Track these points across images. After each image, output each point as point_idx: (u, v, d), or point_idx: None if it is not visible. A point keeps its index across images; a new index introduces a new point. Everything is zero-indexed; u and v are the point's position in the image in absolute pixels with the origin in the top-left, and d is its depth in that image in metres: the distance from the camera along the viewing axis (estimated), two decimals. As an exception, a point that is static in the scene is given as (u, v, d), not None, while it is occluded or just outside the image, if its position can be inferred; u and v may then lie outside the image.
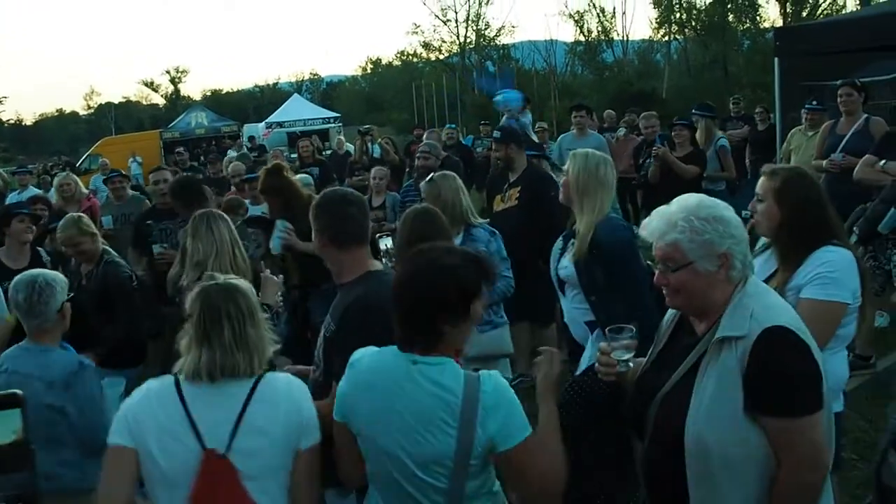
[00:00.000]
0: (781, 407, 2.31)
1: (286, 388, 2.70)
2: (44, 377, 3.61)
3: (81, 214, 5.98)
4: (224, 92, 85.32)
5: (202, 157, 20.97)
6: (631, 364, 2.74)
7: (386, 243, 4.91)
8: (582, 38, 53.35)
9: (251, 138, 29.41)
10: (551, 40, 56.85)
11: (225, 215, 4.55)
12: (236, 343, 2.59)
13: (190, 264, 4.27)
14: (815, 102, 9.06)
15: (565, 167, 4.49)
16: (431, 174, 5.37)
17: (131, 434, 2.57)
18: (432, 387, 2.46)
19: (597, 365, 2.81)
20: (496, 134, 7.31)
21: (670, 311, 2.74)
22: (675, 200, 2.56)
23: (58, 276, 4.00)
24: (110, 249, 5.73)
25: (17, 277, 3.95)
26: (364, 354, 2.66)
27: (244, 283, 2.76)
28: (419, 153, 7.96)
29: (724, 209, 2.50)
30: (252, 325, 2.64)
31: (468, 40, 55.64)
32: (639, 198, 13.40)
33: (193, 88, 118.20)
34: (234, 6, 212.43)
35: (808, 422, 2.32)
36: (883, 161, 6.12)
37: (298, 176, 7.95)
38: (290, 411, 2.65)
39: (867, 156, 6.35)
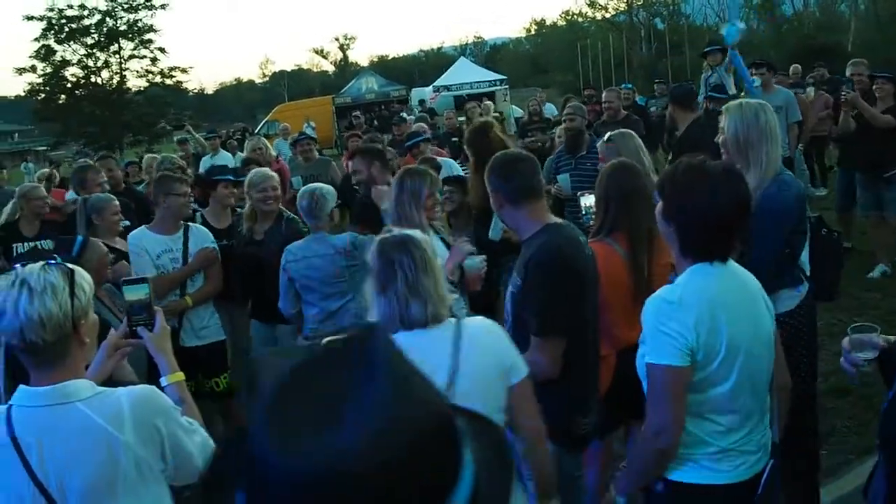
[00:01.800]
0: None
1: (484, 327, 2.73)
2: (336, 248, 4.93)
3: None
4: (390, 57, 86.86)
5: (374, 122, 21.44)
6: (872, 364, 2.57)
7: (588, 200, 4.83)
8: (759, -10, 50.56)
9: (421, 102, 29.81)
10: (725, -6, 54.48)
11: (423, 171, 4.59)
12: (410, 291, 2.59)
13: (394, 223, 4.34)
14: None
15: (721, 123, 4.10)
16: (609, 134, 5.25)
17: None
18: (748, 282, 2.79)
19: (842, 361, 2.65)
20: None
21: None
22: None
23: (329, 188, 5.13)
24: (285, 209, 5.93)
25: (301, 189, 5.20)
26: (684, 291, 2.63)
27: (419, 235, 2.75)
28: (565, 115, 7.82)
29: None
30: (426, 275, 2.63)
31: (636, -3, 54.13)
32: (826, 157, 12.73)
33: (361, 55, 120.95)
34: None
35: None
36: None
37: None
38: (497, 351, 2.68)
39: None
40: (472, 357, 2.60)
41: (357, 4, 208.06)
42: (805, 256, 4.18)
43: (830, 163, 12.86)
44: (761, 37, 47.74)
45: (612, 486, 2.82)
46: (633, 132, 5.24)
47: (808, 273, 4.16)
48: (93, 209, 5.38)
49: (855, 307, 6.90)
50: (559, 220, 3.58)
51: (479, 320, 2.78)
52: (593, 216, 4.54)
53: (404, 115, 16.66)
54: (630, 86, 14.69)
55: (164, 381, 2.56)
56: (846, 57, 27.72)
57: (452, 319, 2.68)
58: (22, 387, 2.21)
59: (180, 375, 2.59)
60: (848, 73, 9.33)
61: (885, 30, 40.34)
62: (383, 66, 73.02)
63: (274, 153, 10.41)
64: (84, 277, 2.27)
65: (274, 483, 0.85)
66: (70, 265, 2.28)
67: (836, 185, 9.38)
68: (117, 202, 5.58)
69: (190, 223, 5.64)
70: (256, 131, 28.43)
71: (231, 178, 6.39)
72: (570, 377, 3.37)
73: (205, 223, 6.00)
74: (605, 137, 5.15)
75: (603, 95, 9.63)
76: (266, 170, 6.07)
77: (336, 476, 0.83)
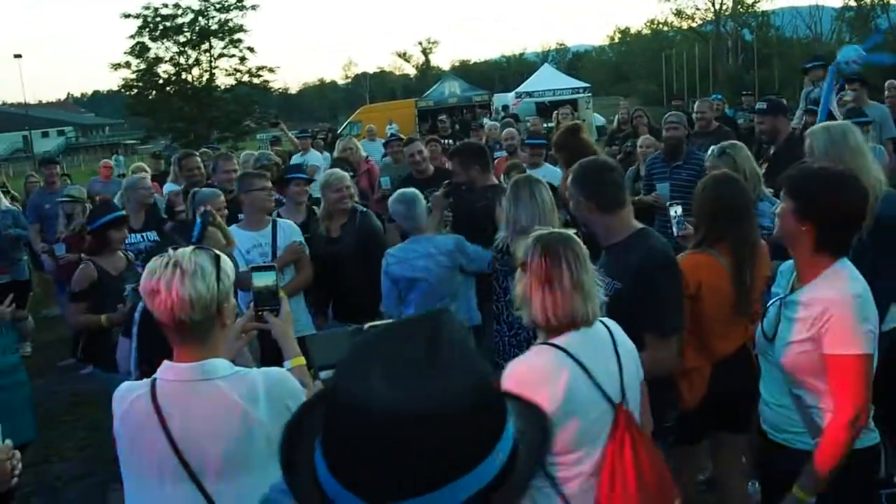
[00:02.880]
0: None
1: (622, 330, 2.84)
2: (439, 249, 5.03)
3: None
4: (472, 62, 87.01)
5: (456, 126, 21.50)
6: None
7: (676, 210, 4.80)
8: (853, 3, 49.17)
9: (504, 107, 29.82)
10: (816, 6, 53.20)
11: (542, 180, 4.57)
12: (575, 287, 2.63)
13: (514, 230, 4.26)
14: None
15: (806, 146, 4.22)
16: (722, 145, 5.20)
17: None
18: None
19: None
20: (760, 105, 7.05)
21: None
22: None
23: (417, 192, 5.25)
24: (358, 203, 6.06)
25: (395, 193, 5.33)
26: (858, 284, 2.87)
27: (574, 235, 2.80)
28: (667, 123, 7.74)
29: None
30: (586, 273, 2.68)
31: (724, 7, 53.17)
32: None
33: (443, 59, 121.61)
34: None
35: None
36: None
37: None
38: (634, 351, 2.84)
39: None
40: (626, 358, 2.77)
41: (440, 10, 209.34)
42: None
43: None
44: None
45: (796, 487, 2.88)
46: (742, 144, 5.19)
47: None
48: (200, 202, 5.53)
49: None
50: (645, 226, 3.68)
51: (612, 322, 2.86)
52: (683, 226, 4.55)
53: (485, 120, 16.67)
54: (720, 96, 14.47)
55: (287, 364, 2.68)
56: (944, 73, 26.66)
57: (598, 324, 2.76)
58: (166, 362, 2.36)
59: (302, 360, 2.71)
60: None
61: None
62: (465, 71, 73.25)
63: (364, 154, 10.56)
64: (227, 263, 2.41)
65: (366, 422, 1.04)
66: (216, 251, 2.42)
67: None
68: (223, 197, 5.76)
69: (278, 219, 5.80)
70: (339, 131, 28.78)
71: (302, 176, 6.55)
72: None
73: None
74: (718, 149, 5.06)
75: (695, 106, 9.49)
76: (338, 171, 6.23)
77: (423, 411, 1.03)
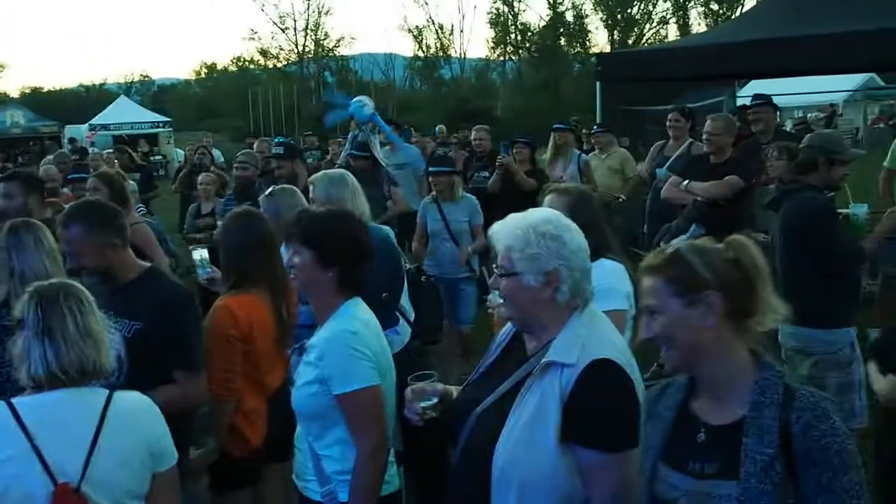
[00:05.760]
0: (600, 440, 2.24)
1: (139, 405, 2.57)
2: None
3: None
4: (45, 90, 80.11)
5: (20, 159, 19.69)
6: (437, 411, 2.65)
7: (201, 254, 4.67)
8: (420, 54, 53.68)
9: (72, 140, 27.87)
10: (390, 54, 57.22)
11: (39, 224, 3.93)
12: (82, 334, 2.43)
13: (19, 282, 3.57)
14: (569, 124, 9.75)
15: (311, 194, 4.74)
16: (271, 188, 5.19)
17: None
18: None
19: (406, 411, 2.70)
20: (278, 150, 7.30)
21: (508, 325, 2.65)
22: (528, 210, 2.50)
23: None
24: None
25: None
26: (359, 321, 2.96)
27: (77, 284, 2.62)
28: (237, 163, 7.70)
29: (567, 230, 2.40)
30: (94, 321, 2.50)
31: (307, 49, 55.05)
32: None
33: (11, 85, 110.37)
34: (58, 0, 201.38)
35: (623, 458, 2.25)
36: (686, 182, 6.30)
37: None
38: (148, 433, 2.53)
39: (673, 177, 6.60)
40: (118, 435, 2.43)
41: (9, 30, 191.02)
42: (408, 304, 4.86)
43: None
44: (422, 98, 50.66)
45: None
46: (292, 188, 5.30)
47: (411, 318, 4.81)
48: None
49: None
50: (153, 264, 3.81)
51: (136, 396, 2.60)
52: (208, 269, 4.58)
53: (50, 157, 15.42)
54: (281, 139, 15.26)
55: None
56: (495, 121, 30.21)
57: (105, 391, 2.49)
58: None
59: None
60: (472, 137, 10.03)
61: (529, 97, 44.53)
62: (36, 99, 67.06)
63: None
64: None
65: None
66: None
67: None
68: None
69: None
70: None
71: None
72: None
73: None
74: (268, 192, 5.10)
75: (255, 145, 9.71)
76: None
77: None
